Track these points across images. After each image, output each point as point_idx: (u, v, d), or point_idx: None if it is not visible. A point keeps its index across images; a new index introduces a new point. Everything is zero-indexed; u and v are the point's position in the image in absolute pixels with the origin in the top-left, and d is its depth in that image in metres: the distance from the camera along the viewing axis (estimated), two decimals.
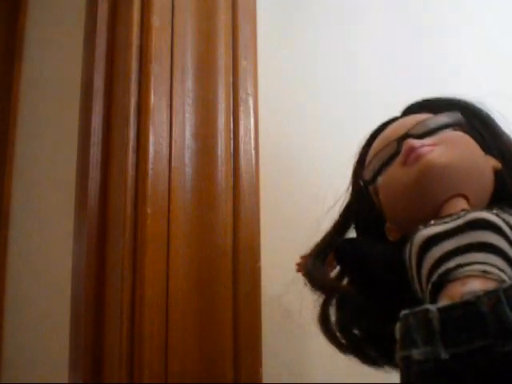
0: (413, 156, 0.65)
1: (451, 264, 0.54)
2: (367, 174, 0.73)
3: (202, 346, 0.82)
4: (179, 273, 0.83)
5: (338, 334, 0.72)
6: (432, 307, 0.51)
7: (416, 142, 0.66)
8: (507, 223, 0.57)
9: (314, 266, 0.73)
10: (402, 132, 0.70)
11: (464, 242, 0.55)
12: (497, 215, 0.57)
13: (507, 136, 0.73)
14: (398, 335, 0.52)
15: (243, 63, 0.95)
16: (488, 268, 0.53)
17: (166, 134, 0.87)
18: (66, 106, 1.15)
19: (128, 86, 0.87)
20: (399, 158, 0.68)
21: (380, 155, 0.71)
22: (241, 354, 0.84)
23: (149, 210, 0.82)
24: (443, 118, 0.70)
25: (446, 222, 0.57)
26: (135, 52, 0.89)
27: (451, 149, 0.66)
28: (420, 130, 0.69)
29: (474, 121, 0.73)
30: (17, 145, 1.37)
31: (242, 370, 0.84)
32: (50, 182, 1.21)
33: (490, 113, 0.74)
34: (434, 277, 0.55)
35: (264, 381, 0.86)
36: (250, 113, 0.94)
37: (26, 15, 1.44)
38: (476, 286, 0.51)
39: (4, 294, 1.30)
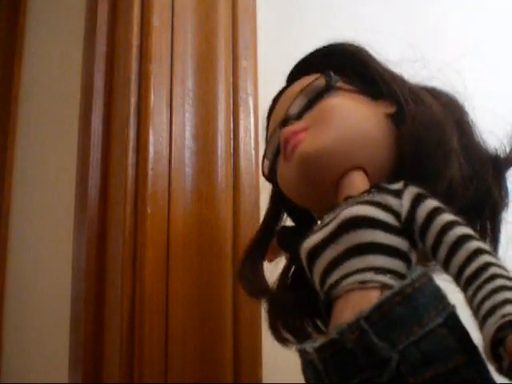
0: (287, 153, 0.63)
1: (333, 278, 0.53)
2: (265, 169, 0.70)
3: (202, 346, 0.82)
4: (179, 273, 0.83)
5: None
6: (310, 348, 0.50)
7: (287, 133, 0.63)
8: (383, 205, 0.54)
9: (244, 269, 0.69)
10: (282, 113, 0.67)
11: (341, 248, 0.53)
12: (368, 203, 0.54)
13: (391, 73, 0.68)
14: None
15: (243, 63, 0.95)
16: (368, 276, 0.51)
17: (166, 134, 0.87)
18: (66, 106, 1.15)
19: (128, 86, 0.87)
20: (281, 154, 0.65)
21: (270, 148, 0.68)
22: (241, 354, 0.84)
23: (149, 210, 0.82)
24: (316, 86, 0.66)
25: (325, 226, 0.56)
26: (135, 52, 0.89)
27: (324, 127, 0.61)
28: (295, 109, 0.65)
29: (356, 67, 0.68)
30: (17, 145, 1.37)
31: (242, 371, 0.84)
32: (50, 182, 1.21)
33: (371, 55, 0.70)
34: (322, 295, 0.54)
35: (264, 381, 0.85)
36: (249, 113, 0.94)
37: (26, 15, 1.44)
38: (350, 309, 0.50)
39: (4, 294, 1.30)
